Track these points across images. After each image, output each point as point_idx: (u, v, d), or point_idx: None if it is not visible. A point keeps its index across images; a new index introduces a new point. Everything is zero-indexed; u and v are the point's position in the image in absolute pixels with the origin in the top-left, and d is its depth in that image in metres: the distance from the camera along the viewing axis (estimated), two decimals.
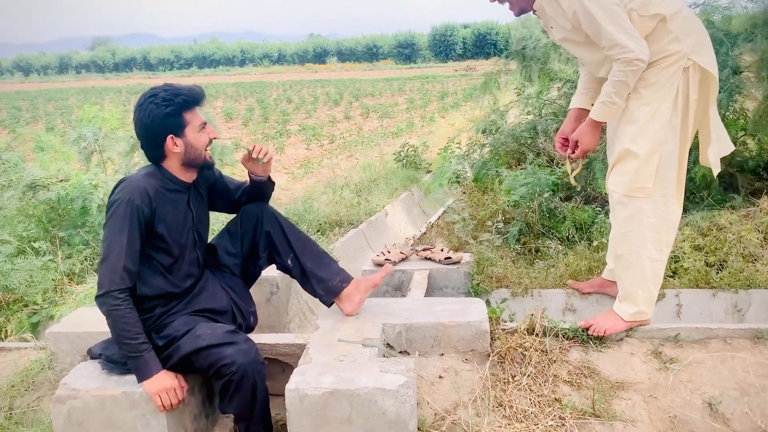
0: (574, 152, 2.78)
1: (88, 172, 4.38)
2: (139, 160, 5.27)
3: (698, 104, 2.59)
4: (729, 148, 2.76)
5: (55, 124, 20.75)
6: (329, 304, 2.65)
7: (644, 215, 2.61)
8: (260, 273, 2.75)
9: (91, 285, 3.66)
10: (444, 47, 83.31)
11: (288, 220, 2.67)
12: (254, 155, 2.54)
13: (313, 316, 3.41)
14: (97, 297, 2.18)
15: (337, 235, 4.55)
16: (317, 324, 2.61)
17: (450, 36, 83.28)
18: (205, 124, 2.37)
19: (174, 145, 2.29)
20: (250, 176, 2.64)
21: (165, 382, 2.17)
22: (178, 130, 2.28)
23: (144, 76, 75.20)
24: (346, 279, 2.63)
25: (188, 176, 2.40)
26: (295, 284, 3.23)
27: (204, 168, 2.44)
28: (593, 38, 2.52)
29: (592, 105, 2.77)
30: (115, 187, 2.29)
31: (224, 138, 14.25)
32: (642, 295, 2.70)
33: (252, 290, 2.83)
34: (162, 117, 2.24)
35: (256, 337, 2.62)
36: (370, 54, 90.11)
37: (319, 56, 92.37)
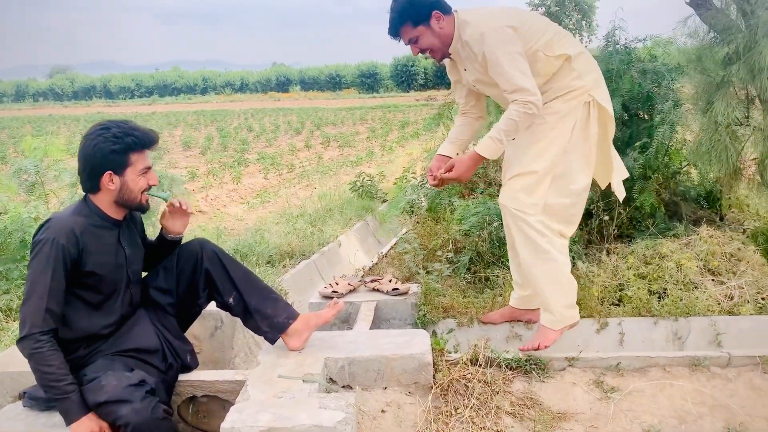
0: (446, 172, 2.83)
1: (28, 204, 4.26)
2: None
3: (597, 137, 2.79)
4: (626, 173, 3.04)
5: (6, 154, 20.23)
6: (274, 341, 2.61)
7: (536, 227, 2.73)
8: (200, 312, 2.70)
9: None
10: (406, 77, 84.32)
11: (230, 255, 2.63)
12: (176, 206, 2.51)
13: (259, 350, 3.35)
14: (19, 340, 2.11)
15: (288, 267, 4.51)
16: (258, 360, 2.56)
17: (412, 66, 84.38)
18: (149, 168, 2.33)
19: (110, 182, 2.25)
20: (163, 234, 2.59)
21: (91, 426, 2.09)
22: (119, 168, 2.25)
23: (104, 105, 74.18)
24: (293, 315, 2.59)
25: (118, 213, 2.35)
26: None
27: (137, 211, 2.41)
28: (496, 80, 2.65)
29: (457, 154, 2.98)
30: (41, 226, 2.23)
31: (181, 167, 14.10)
32: (562, 300, 2.81)
33: (195, 324, 2.78)
34: (107, 152, 2.21)
35: (195, 374, 2.56)
36: (334, 83, 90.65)
37: (282, 85, 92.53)
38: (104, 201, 2.30)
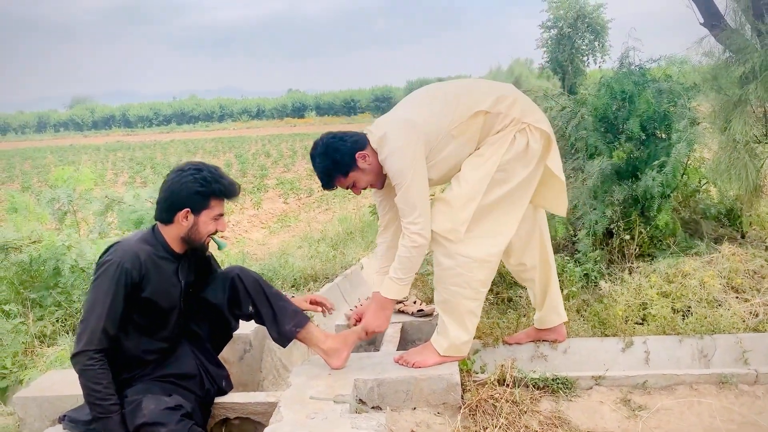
0: (356, 323, 2.85)
1: (61, 233, 4.38)
2: (113, 220, 5.29)
3: (543, 156, 2.76)
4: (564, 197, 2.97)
5: (31, 183, 20.65)
6: (285, 346, 2.69)
7: (458, 255, 2.66)
8: (231, 335, 2.77)
9: (62, 347, 3.63)
10: None
11: (249, 270, 2.70)
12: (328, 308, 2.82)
13: (287, 372, 3.40)
14: (73, 355, 2.19)
15: (312, 290, 4.57)
16: (289, 381, 2.61)
17: None
18: (221, 215, 2.45)
19: (184, 219, 2.37)
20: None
21: None
22: (197, 209, 2.37)
23: (123, 134, 75.37)
24: (300, 323, 2.64)
25: (180, 248, 2.45)
26: (268, 342, 3.24)
27: (197, 250, 2.51)
28: (396, 189, 2.62)
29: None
30: (108, 249, 2.34)
31: None
32: (455, 332, 2.73)
33: (225, 348, 2.84)
34: (192, 192, 2.34)
35: (229, 396, 2.62)
36: (349, 108, 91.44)
37: (298, 110, 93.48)
38: (172, 234, 2.41)
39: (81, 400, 2.50)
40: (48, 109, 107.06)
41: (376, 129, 2.71)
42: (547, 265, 3.07)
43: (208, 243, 2.49)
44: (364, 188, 2.81)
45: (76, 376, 2.74)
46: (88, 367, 2.16)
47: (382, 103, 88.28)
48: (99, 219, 5.16)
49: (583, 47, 32.51)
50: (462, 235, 2.64)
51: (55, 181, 5.25)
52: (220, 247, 2.60)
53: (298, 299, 2.81)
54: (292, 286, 4.61)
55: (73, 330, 3.90)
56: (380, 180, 2.79)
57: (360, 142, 2.70)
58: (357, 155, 2.67)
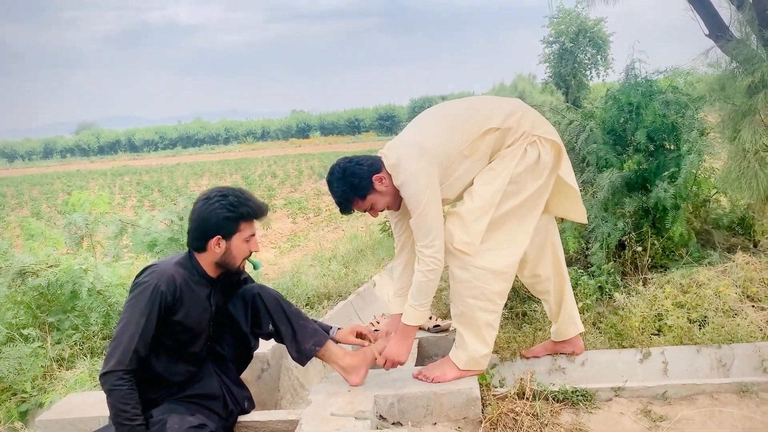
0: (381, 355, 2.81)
1: (77, 256, 4.42)
2: (127, 243, 5.33)
3: (555, 168, 2.79)
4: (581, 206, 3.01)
5: (40, 209, 20.79)
6: (303, 364, 2.70)
7: (474, 267, 2.67)
8: (252, 355, 2.78)
9: (80, 370, 3.65)
10: None
11: (268, 288, 2.72)
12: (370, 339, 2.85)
13: (305, 391, 3.40)
14: (102, 374, 2.21)
15: (326, 308, 4.59)
16: (309, 399, 2.63)
17: (429, 107, 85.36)
18: (253, 236, 2.47)
19: (217, 246, 2.39)
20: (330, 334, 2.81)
21: None
22: (228, 234, 2.39)
23: (129, 158, 75.87)
24: (320, 342, 2.66)
25: (215, 272, 2.48)
26: (286, 360, 3.25)
27: (233, 274, 2.54)
28: (411, 213, 2.66)
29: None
30: (144, 269, 2.37)
31: None
32: (474, 345, 2.74)
33: None
34: (222, 218, 2.36)
35: (250, 415, 2.63)
36: (353, 127, 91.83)
37: (303, 131, 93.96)
38: (206, 260, 2.44)
39: (103, 422, 2.53)
40: (54, 135, 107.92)
41: (389, 152, 2.75)
42: (561, 277, 3.08)
43: (243, 266, 2.53)
44: (381, 210, 2.84)
45: (97, 397, 2.78)
46: (117, 387, 2.18)
47: (385, 122, 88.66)
48: (113, 242, 5.21)
49: (586, 61, 32.70)
50: (477, 248, 2.67)
51: (70, 206, 5.30)
52: (255, 268, 2.65)
53: (344, 332, 2.84)
54: (306, 305, 4.63)
55: (92, 353, 3.92)
56: (397, 202, 2.81)
57: (375, 165, 2.74)
58: (374, 178, 2.71)
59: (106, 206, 5.42)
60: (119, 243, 5.23)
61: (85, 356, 3.87)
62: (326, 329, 2.81)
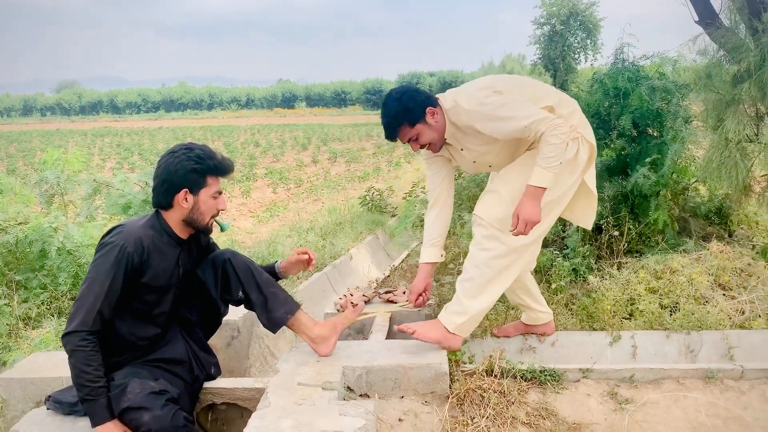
0: (524, 232, 2.79)
1: (48, 215, 4.32)
2: (101, 204, 5.23)
3: (583, 171, 2.81)
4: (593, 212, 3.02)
5: (17, 167, 20.41)
6: (274, 332, 2.66)
7: (501, 243, 2.71)
8: (221, 321, 2.75)
9: (47, 330, 3.59)
10: None
11: (240, 255, 2.68)
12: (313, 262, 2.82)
13: (275, 359, 3.39)
14: (64, 334, 2.16)
15: (301, 279, 4.55)
16: (277, 368, 2.60)
17: (417, 83, 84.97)
18: (220, 193, 2.44)
19: (184, 200, 2.35)
20: (276, 271, 2.85)
21: (114, 431, 2.14)
22: (195, 188, 2.35)
23: (111, 119, 74.77)
24: (291, 310, 2.63)
25: (184, 232, 2.44)
26: (257, 328, 3.23)
27: (202, 233, 2.50)
28: (514, 136, 2.68)
29: (442, 255, 3.06)
30: (111, 230, 2.31)
31: None
32: (470, 313, 2.76)
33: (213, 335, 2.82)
34: (188, 170, 2.32)
35: (215, 382, 2.60)
36: (339, 99, 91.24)
37: (288, 101, 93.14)
38: (174, 218, 2.39)
39: (66, 382, 2.48)
40: (35, 92, 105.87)
41: (449, 96, 2.79)
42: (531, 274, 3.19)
43: (212, 225, 2.48)
44: (424, 145, 2.85)
45: (61, 357, 2.74)
46: (79, 347, 2.13)
47: (372, 96, 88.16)
48: (86, 202, 5.10)
49: (575, 45, 32.59)
50: (506, 229, 2.69)
51: (43, 163, 5.18)
52: (223, 229, 2.61)
53: (286, 262, 2.85)
54: None
55: (59, 313, 3.86)
56: (440, 142, 2.86)
57: (432, 99, 2.79)
58: (428, 109, 2.74)
59: (80, 165, 5.30)
60: (92, 203, 5.12)
61: (53, 316, 3.80)
62: (270, 269, 2.81)
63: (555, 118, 2.59)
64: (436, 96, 2.83)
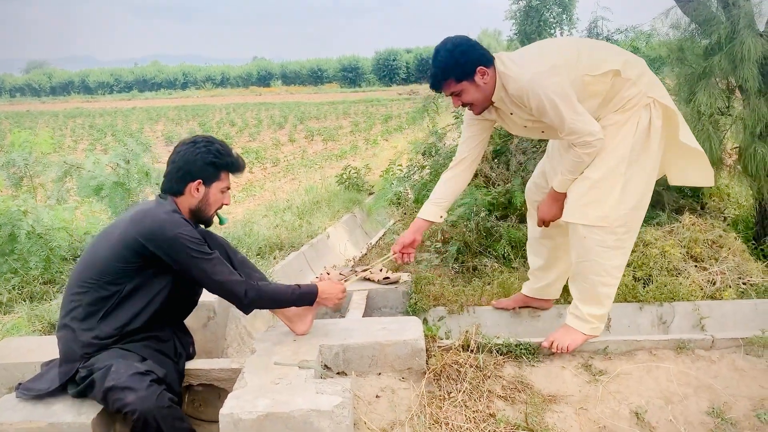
0: (545, 225, 2.94)
1: (17, 198, 4.23)
2: (72, 186, 5.13)
3: (664, 134, 2.72)
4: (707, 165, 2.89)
5: None
6: (247, 314, 2.64)
7: (599, 246, 2.69)
8: (196, 302, 2.72)
9: (19, 315, 3.53)
10: (388, 71, 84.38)
11: (215, 235, 2.69)
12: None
13: (252, 340, 3.37)
14: (244, 307, 2.44)
15: (278, 258, 4.53)
16: (253, 347, 2.59)
17: (393, 60, 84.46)
18: (228, 188, 2.51)
19: (196, 191, 2.41)
20: None
21: (330, 284, 2.64)
22: (209, 180, 2.43)
23: (82, 100, 73.36)
24: None
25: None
26: (233, 309, 3.21)
27: (204, 223, 2.55)
28: (554, 124, 2.63)
29: (441, 217, 2.97)
30: (159, 224, 2.28)
31: (164, 162, 13.92)
32: (597, 313, 2.79)
33: (189, 316, 2.80)
34: (207, 162, 2.40)
35: (192, 363, 2.58)
36: (315, 77, 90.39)
37: (264, 79, 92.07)
38: (183, 206, 2.44)
39: (38, 368, 2.45)
40: (3, 72, 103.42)
41: (507, 60, 2.67)
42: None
43: (213, 218, 2.54)
44: (465, 105, 2.77)
45: (35, 343, 2.71)
46: (259, 295, 2.41)
47: (349, 73, 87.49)
48: (57, 185, 5.00)
49: (551, 20, 32.56)
50: (613, 220, 2.65)
51: (11, 145, 5.05)
52: (221, 222, 2.67)
53: None
54: (257, 255, 4.56)
55: (31, 297, 3.79)
56: (484, 105, 2.77)
57: (487, 58, 2.66)
58: (478, 69, 2.64)
59: (49, 147, 5.19)
60: (63, 186, 5.03)
61: (24, 301, 3.74)
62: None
63: (591, 137, 2.57)
64: (494, 55, 2.71)
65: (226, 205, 2.54)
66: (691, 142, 2.77)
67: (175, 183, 2.42)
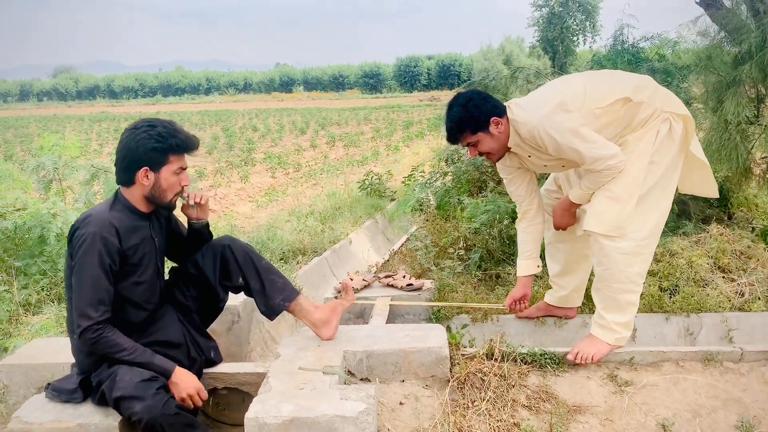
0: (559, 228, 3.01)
1: (46, 200, 4.31)
2: (99, 189, 5.21)
3: (683, 144, 2.74)
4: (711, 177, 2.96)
5: (14, 152, 20.34)
6: (272, 319, 2.66)
7: (618, 253, 2.68)
8: (222, 308, 2.74)
9: (47, 315, 3.59)
10: (409, 78, 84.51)
11: (241, 242, 2.66)
12: (190, 203, 2.54)
13: (275, 344, 3.39)
14: (79, 335, 2.17)
15: (301, 264, 4.55)
16: (278, 352, 2.60)
17: (415, 67, 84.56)
18: (183, 169, 2.39)
19: (145, 177, 2.30)
20: (189, 222, 2.63)
21: (185, 372, 2.30)
22: (156, 166, 2.31)
23: (107, 104, 74.43)
24: (290, 297, 2.62)
25: (147, 207, 2.40)
26: (257, 313, 3.23)
27: (164, 209, 2.46)
28: (574, 159, 2.68)
29: (538, 266, 3.07)
30: (79, 222, 2.25)
31: (188, 166, 14.09)
32: (621, 321, 2.77)
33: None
34: (148, 149, 2.27)
35: (217, 366, 2.60)
36: (337, 83, 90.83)
37: (286, 85, 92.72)
38: (135, 195, 2.35)
39: (66, 369, 2.49)
40: (31, 77, 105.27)
41: (516, 108, 2.75)
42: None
43: (174, 202, 2.44)
44: (482, 154, 2.85)
45: (62, 343, 2.75)
46: (94, 339, 2.15)
47: (370, 80, 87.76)
48: (84, 188, 5.08)
49: (574, 27, 32.45)
50: (626, 230, 2.66)
51: (40, 149, 5.15)
52: (184, 200, 2.54)
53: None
54: (281, 259, 4.59)
55: (59, 299, 3.85)
56: (500, 153, 2.85)
57: (500, 109, 2.76)
58: (492, 119, 2.73)
59: (77, 150, 5.27)
60: (91, 189, 5.10)
61: (53, 302, 3.80)
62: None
63: (612, 161, 2.60)
64: (506, 104, 2.78)
65: (186, 185, 2.42)
66: (699, 154, 2.83)
67: (122, 173, 2.32)
